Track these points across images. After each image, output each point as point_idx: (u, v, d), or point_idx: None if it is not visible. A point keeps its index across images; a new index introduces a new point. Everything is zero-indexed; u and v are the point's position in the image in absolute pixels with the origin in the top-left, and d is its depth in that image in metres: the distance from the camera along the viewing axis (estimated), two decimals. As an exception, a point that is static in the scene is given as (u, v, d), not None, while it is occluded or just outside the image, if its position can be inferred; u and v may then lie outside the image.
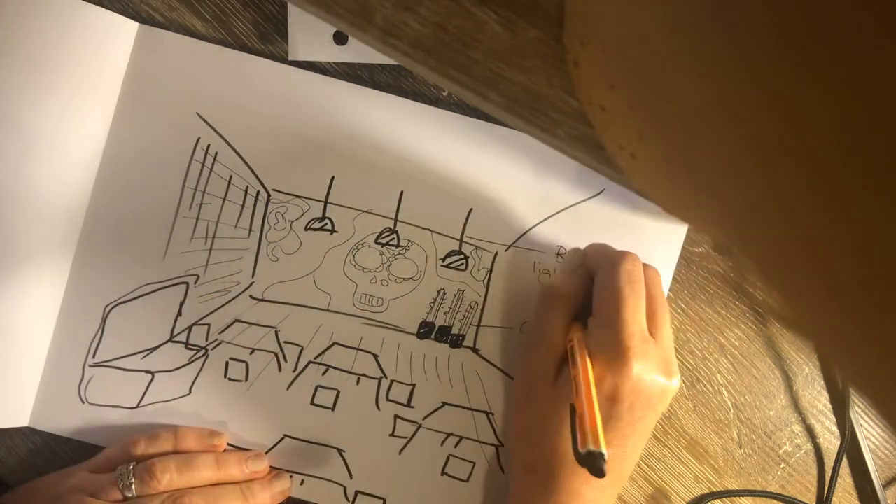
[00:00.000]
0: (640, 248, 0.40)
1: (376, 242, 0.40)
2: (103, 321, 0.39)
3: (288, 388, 0.40)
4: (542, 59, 0.30)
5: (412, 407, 0.40)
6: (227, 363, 0.40)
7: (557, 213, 0.40)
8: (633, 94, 0.24)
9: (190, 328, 0.40)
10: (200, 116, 0.39)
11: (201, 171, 0.40)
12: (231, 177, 0.40)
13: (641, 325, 0.33)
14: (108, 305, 0.39)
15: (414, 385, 0.40)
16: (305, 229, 0.40)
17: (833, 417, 0.41)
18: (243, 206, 0.40)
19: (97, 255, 0.39)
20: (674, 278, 0.40)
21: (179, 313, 0.40)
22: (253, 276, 0.40)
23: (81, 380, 0.39)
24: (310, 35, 0.39)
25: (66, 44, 0.37)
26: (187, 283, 0.40)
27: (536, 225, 0.40)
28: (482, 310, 0.40)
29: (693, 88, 0.18)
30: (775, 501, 0.41)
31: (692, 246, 0.40)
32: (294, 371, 0.40)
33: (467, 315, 0.40)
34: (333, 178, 0.40)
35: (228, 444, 0.39)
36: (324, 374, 0.40)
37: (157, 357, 0.40)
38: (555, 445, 0.33)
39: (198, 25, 0.39)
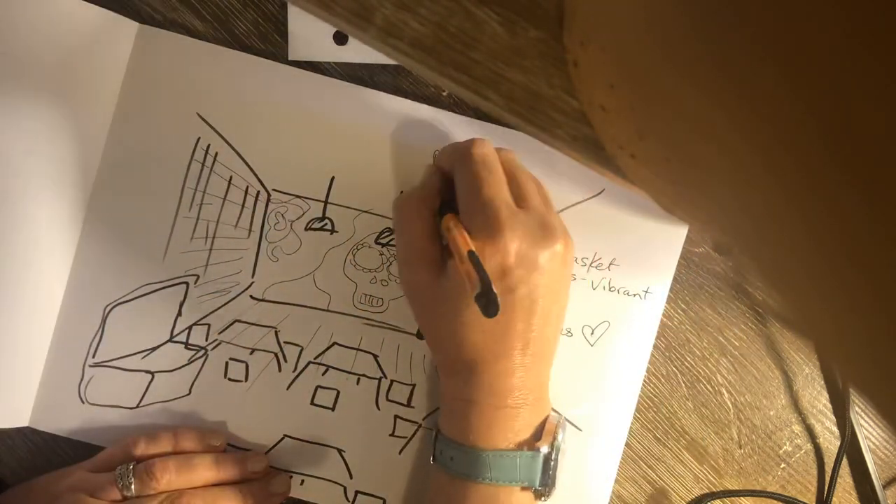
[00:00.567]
0: (640, 248, 0.40)
1: (376, 242, 0.40)
2: (103, 321, 0.39)
3: (288, 388, 0.40)
4: (541, 59, 0.30)
5: (412, 407, 0.40)
6: (227, 363, 0.40)
7: (558, 213, 0.40)
8: (632, 94, 0.24)
9: (190, 328, 0.40)
10: (200, 116, 0.39)
11: (201, 171, 0.40)
12: (231, 177, 0.40)
13: (506, 199, 0.33)
14: (108, 305, 0.39)
15: (414, 385, 0.40)
16: (305, 229, 0.40)
17: (833, 417, 0.41)
18: (243, 206, 0.40)
19: (97, 255, 0.39)
20: (674, 278, 0.40)
21: (179, 313, 0.40)
22: (253, 276, 0.40)
23: (81, 380, 0.39)
24: (310, 35, 0.39)
25: (66, 44, 0.37)
26: (187, 283, 0.40)
27: (536, 225, 0.40)
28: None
29: (688, 91, 0.18)
30: (775, 501, 0.41)
31: (692, 246, 0.40)
32: (294, 371, 0.40)
33: (467, 315, 0.40)
34: (333, 178, 0.40)
35: (228, 444, 0.39)
36: (324, 374, 0.40)
37: (157, 357, 0.40)
38: (462, 339, 0.33)
39: (198, 25, 0.39)
